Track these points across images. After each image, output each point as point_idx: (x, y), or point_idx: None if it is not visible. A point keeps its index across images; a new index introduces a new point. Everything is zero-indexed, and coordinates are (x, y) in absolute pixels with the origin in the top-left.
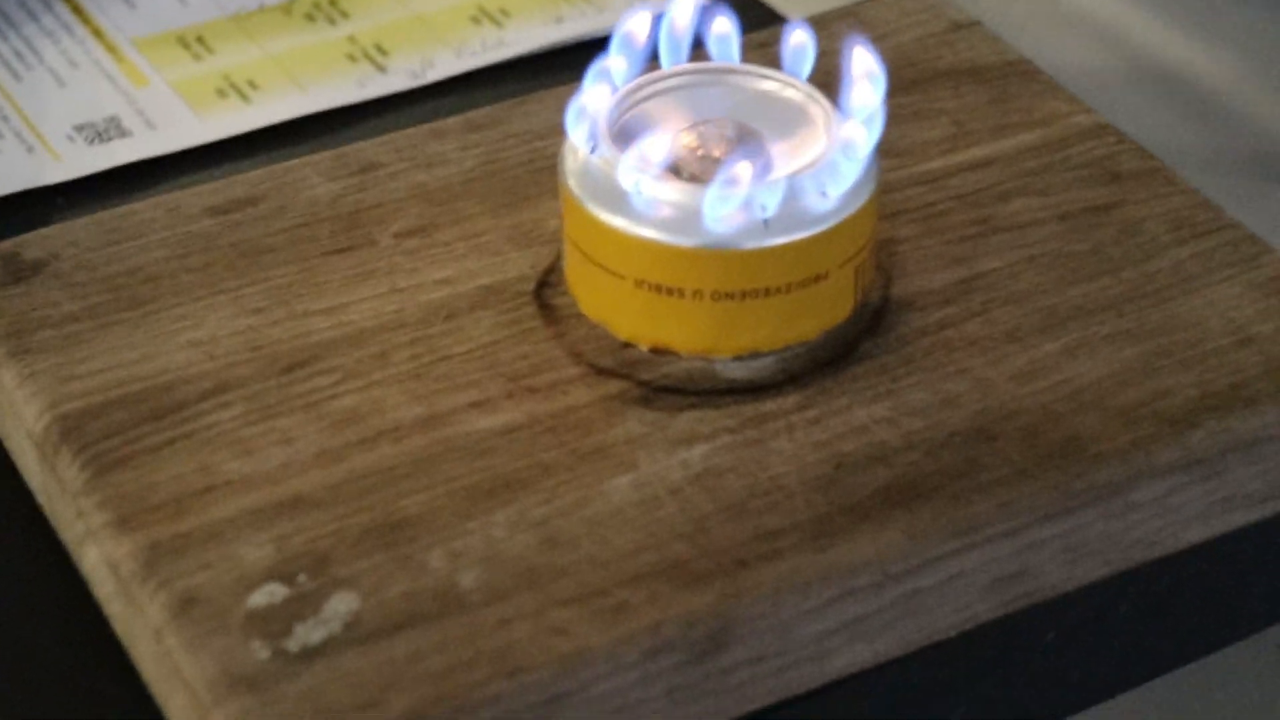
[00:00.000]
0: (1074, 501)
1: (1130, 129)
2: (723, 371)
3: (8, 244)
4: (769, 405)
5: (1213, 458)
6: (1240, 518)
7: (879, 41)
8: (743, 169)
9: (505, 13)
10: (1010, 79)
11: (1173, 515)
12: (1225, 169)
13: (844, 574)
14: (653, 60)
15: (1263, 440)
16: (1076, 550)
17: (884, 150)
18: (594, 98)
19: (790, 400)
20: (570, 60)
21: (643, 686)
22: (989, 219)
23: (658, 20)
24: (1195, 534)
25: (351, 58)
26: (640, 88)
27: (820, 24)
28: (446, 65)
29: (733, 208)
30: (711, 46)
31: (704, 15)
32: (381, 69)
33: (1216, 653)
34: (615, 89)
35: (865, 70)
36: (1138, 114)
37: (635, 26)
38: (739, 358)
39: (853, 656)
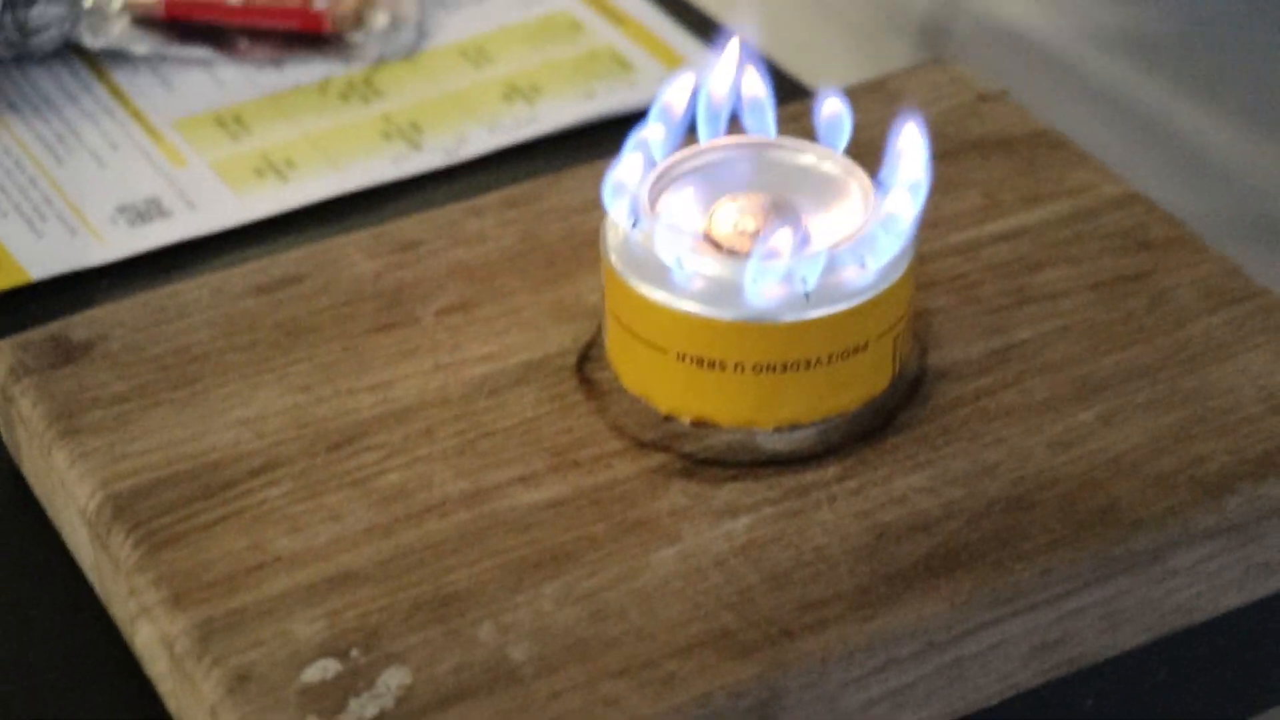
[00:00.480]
0: (1113, 568)
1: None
2: (764, 443)
3: (56, 325)
4: (810, 476)
5: (1249, 524)
6: (1278, 583)
7: (907, 114)
8: (783, 241)
9: (537, 89)
10: (1039, 149)
11: (1210, 581)
12: (1234, 236)
13: (889, 642)
14: (690, 133)
15: None
16: (1116, 617)
17: None
18: (629, 168)
19: (831, 471)
20: (602, 136)
21: None
22: (1022, 289)
23: (695, 92)
24: (1233, 600)
25: (386, 135)
26: (679, 162)
27: (849, 96)
28: (480, 142)
29: (774, 280)
30: (747, 120)
31: (739, 88)
32: (416, 146)
33: (1256, 718)
34: (652, 160)
35: (910, 143)
36: (1150, 183)
37: (674, 97)
38: (780, 429)
39: None
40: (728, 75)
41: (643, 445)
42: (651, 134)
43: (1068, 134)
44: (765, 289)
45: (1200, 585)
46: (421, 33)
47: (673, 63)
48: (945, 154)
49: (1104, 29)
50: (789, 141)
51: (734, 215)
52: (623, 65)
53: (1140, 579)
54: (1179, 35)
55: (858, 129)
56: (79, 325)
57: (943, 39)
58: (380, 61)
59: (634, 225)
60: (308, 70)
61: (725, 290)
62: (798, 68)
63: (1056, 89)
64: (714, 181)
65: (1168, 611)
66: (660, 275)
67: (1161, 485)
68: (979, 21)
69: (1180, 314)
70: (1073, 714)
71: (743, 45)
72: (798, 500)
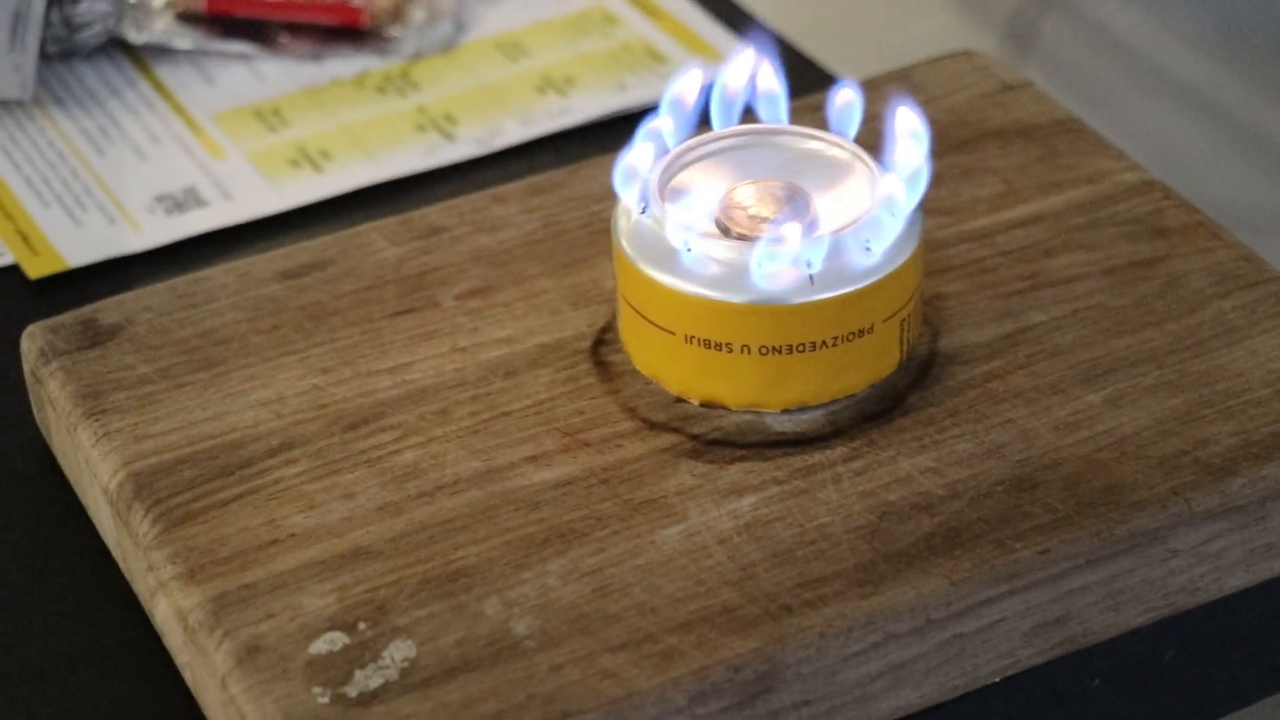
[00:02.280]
0: (1114, 548)
1: (1219, 190)
2: (772, 424)
3: (86, 310)
4: (816, 457)
5: (1252, 504)
6: None
7: (931, 103)
8: (790, 228)
9: (570, 81)
10: (1059, 137)
11: (1213, 562)
12: None
13: (887, 619)
14: (704, 122)
15: None
16: (1118, 596)
17: (934, 208)
18: (640, 156)
19: (837, 452)
20: (633, 126)
21: None
22: (1036, 274)
23: (710, 83)
24: (1237, 581)
25: (420, 127)
26: (690, 149)
27: (873, 86)
28: (512, 133)
29: (780, 265)
30: (760, 108)
31: (754, 78)
32: (449, 137)
33: (1264, 700)
34: (664, 149)
35: (909, 128)
36: (1228, 176)
37: (685, 88)
38: (787, 411)
39: (897, 701)
40: (744, 67)
41: (653, 426)
42: (662, 124)
43: (1127, 126)
44: (771, 272)
45: (1203, 566)
46: (459, 27)
47: (706, 55)
48: (966, 142)
49: (1188, 25)
50: (798, 129)
51: (743, 201)
52: (656, 57)
53: (1142, 559)
54: (1262, 29)
55: (881, 117)
56: (108, 309)
57: (1029, 38)
58: (417, 55)
59: (643, 211)
60: (346, 64)
61: (732, 274)
62: (868, 62)
63: (1118, 82)
64: (724, 168)
65: (1171, 592)
66: (669, 259)
67: (1165, 466)
68: (1067, 20)
69: (1192, 299)
70: (1077, 693)
71: (761, 38)
72: (803, 480)
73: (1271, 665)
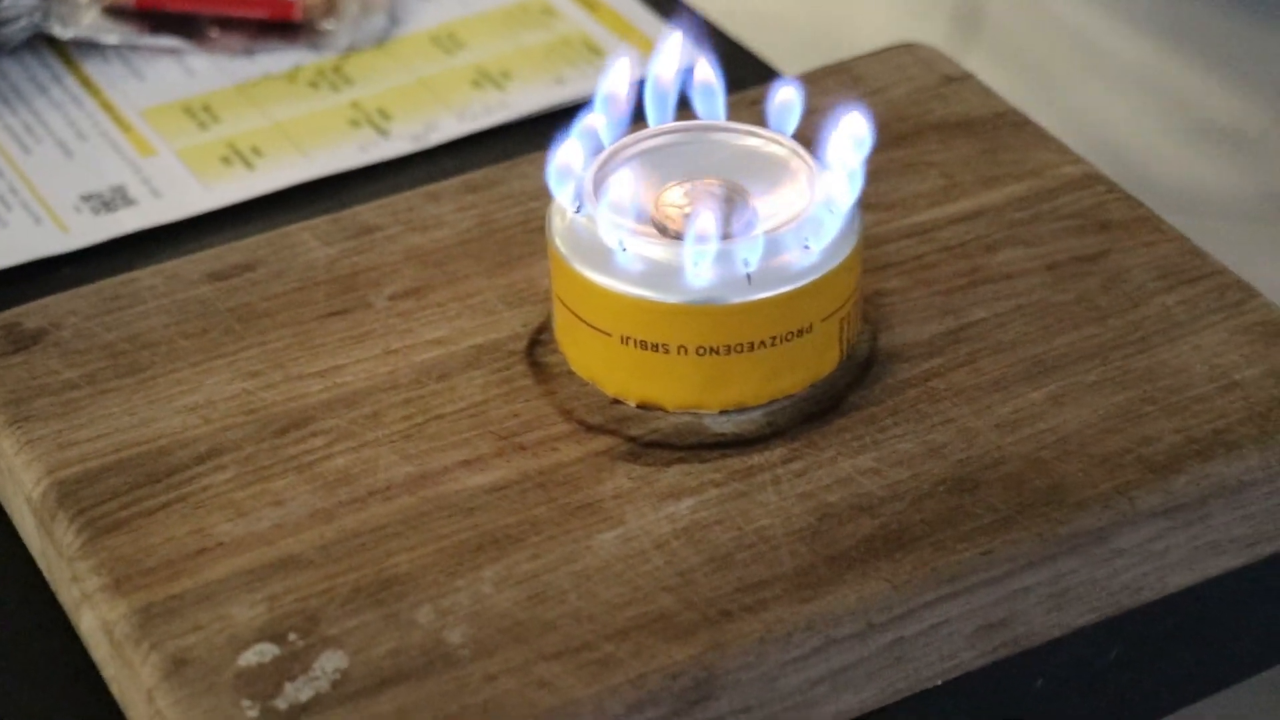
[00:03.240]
0: (1057, 548)
1: (1167, 175)
2: (710, 426)
3: (9, 314)
4: (755, 458)
5: (1195, 503)
6: (1226, 562)
7: (871, 96)
8: (706, 221)
9: (506, 75)
10: (1001, 130)
11: (1158, 561)
12: (1264, 213)
13: (828, 623)
14: (639, 119)
15: (1246, 485)
16: (1062, 597)
17: (874, 203)
18: (573, 153)
19: (776, 453)
20: (571, 121)
21: None
22: (977, 270)
23: (642, 77)
24: (1181, 579)
25: (354, 123)
26: (625, 146)
27: (813, 79)
28: (448, 128)
29: (708, 261)
30: (696, 103)
31: (689, 73)
32: (384, 133)
33: (1208, 698)
34: (599, 146)
35: (847, 126)
36: (1176, 160)
37: (617, 82)
38: (725, 412)
39: (839, 706)
40: (674, 60)
41: (590, 428)
42: (596, 120)
43: (1084, 115)
44: (703, 270)
45: (1147, 565)
46: (393, 20)
47: (645, 48)
48: (906, 136)
49: (1134, 6)
50: (736, 125)
51: (679, 199)
52: (594, 51)
53: (1085, 559)
54: (1208, 13)
55: (820, 111)
56: (32, 313)
57: (976, 22)
58: (351, 49)
59: (578, 210)
60: (278, 59)
61: (667, 273)
62: (809, 51)
63: (1073, 70)
64: (660, 166)
65: (1115, 591)
66: (603, 259)
67: (1108, 465)
68: (1014, 4)
69: (1135, 294)
70: (1021, 695)
71: (691, 25)
72: (742, 482)
73: (1216, 663)
